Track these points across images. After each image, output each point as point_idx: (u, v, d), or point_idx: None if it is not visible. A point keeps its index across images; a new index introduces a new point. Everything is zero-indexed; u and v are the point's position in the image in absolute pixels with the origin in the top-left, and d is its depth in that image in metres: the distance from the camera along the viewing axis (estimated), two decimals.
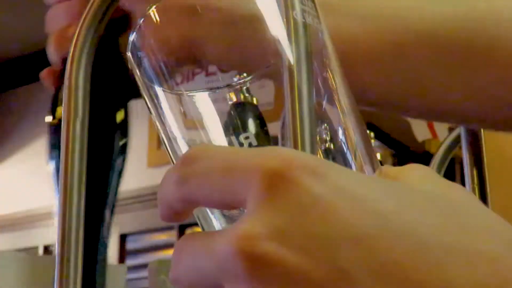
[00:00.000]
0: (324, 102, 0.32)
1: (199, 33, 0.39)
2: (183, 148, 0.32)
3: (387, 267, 0.24)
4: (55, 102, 0.52)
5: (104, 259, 0.50)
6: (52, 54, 0.53)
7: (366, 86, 0.48)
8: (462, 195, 0.29)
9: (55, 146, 0.51)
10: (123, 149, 0.52)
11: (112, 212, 0.51)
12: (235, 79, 0.34)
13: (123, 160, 0.52)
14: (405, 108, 0.52)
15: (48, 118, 0.52)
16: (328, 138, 0.32)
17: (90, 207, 0.48)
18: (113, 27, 0.49)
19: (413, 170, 0.31)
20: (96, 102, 0.48)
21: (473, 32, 0.47)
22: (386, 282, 0.24)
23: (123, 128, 0.52)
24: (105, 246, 0.50)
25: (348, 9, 0.47)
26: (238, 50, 0.36)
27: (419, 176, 0.30)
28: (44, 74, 0.54)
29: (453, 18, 0.47)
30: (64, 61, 0.52)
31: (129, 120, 0.53)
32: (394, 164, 0.33)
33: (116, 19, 0.50)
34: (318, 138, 0.30)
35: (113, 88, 0.51)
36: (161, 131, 0.34)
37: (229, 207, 0.27)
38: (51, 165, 0.52)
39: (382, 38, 0.47)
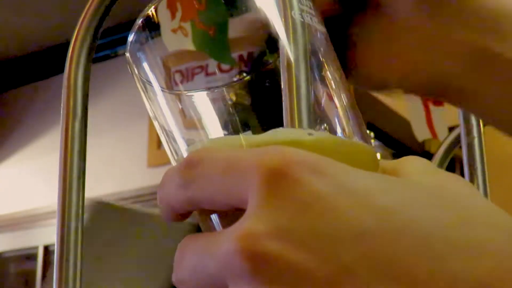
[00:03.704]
0: (323, 101, 0.32)
1: None
2: (183, 147, 0.32)
3: (390, 262, 0.24)
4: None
5: None
6: None
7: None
8: (461, 186, 0.29)
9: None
10: None
11: None
12: (234, 79, 0.34)
13: None
14: None
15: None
16: None
17: None
18: (349, 5, 0.44)
19: (410, 162, 0.31)
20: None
21: None
22: (389, 278, 0.24)
23: None
24: None
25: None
26: None
27: (417, 168, 0.30)
28: None
29: None
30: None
31: None
32: None
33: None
34: None
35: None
36: (161, 131, 0.34)
37: (233, 207, 0.27)
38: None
39: None
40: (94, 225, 0.79)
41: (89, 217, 0.80)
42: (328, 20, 0.37)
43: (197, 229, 0.30)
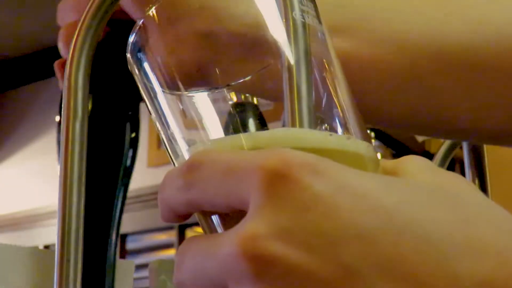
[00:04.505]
0: (324, 102, 0.32)
1: (215, 58, 0.40)
2: (183, 148, 0.32)
3: (393, 262, 0.24)
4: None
5: (113, 257, 0.51)
6: (62, 47, 0.52)
7: (381, 106, 0.48)
8: (462, 185, 0.29)
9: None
10: (134, 143, 0.53)
11: (121, 210, 0.52)
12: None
13: (134, 154, 0.53)
14: (419, 127, 0.52)
15: (58, 118, 0.52)
16: None
17: (99, 202, 0.48)
18: (122, 27, 0.48)
19: (410, 161, 0.31)
20: (108, 98, 0.48)
21: (481, 49, 0.46)
22: (392, 278, 0.24)
23: (134, 122, 0.52)
24: (112, 245, 0.51)
25: (362, 33, 0.47)
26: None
27: (417, 168, 0.30)
28: (56, 65, 0.53)
29: (462, 36, 0.47)
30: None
31: (139, 115, 0.53)
32: None
33: (126, 20, 0.49)
34: None
35: (125, 84, 0.50)
36: (161, 132, 0.34)
37: (233, 209, 0.27)
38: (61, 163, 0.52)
39: (395, 61, 0.47)
40: None
41: None
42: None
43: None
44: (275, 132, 0.30)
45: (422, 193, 0.26)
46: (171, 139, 0.33)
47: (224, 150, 0.29)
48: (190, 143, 0.32)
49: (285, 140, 0.29)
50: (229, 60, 0.40)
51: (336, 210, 0.25)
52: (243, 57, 0.39)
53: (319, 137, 0.30)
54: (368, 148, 0.31)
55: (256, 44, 0.37)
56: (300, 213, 0.25)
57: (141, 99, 0.50)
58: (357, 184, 0.26)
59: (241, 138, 0.30)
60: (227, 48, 0.39)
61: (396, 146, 2.81)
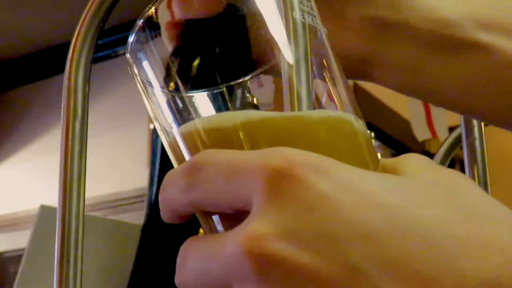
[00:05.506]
0: (323, 101, 0.32)
1: None
2: (183, 148, 0.32)
3: (398, 261, 0.24)
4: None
5: None
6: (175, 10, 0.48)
7: None
8: (463, 183, 0.28)
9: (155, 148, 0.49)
10: None
11: None
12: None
13: None
14: None
15: (152, 125, 0.50)
16: None
17: None
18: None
19: (410, 159, 0.31)
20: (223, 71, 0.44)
21: None
22: (398, 277, 0.24)
23: None
24: None
25: None
26: None
27: (418, 166, 0.30)
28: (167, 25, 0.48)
29: None
30: (181, 24, 0.46)
31: None
32: None
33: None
34: None
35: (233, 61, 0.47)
36: (161, 131, 0.34)
37: (236, 210, 0.27)
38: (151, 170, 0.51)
39: None
40: (44, 231, 0.82)
41: (39, 222, 0.82)
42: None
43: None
44: (267, 112, 0.30)
45: (425, 192, 0.26)
46: (171, 138, 0.33)
47: (226, 150, 0.28)
48: (189, 143, 0.32)
49: (279, 122, 0.29)
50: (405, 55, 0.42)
51: (341, 210, 0.25)
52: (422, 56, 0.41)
53: (312, 114, 0.30)
54: (358, 118, 0.31)
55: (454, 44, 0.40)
56: (304, 213, 0.25)
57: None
58: (360, 183, 0.26)
59: (231, 113, 0.30)
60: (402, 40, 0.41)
61: (396, 146, 2.81)
